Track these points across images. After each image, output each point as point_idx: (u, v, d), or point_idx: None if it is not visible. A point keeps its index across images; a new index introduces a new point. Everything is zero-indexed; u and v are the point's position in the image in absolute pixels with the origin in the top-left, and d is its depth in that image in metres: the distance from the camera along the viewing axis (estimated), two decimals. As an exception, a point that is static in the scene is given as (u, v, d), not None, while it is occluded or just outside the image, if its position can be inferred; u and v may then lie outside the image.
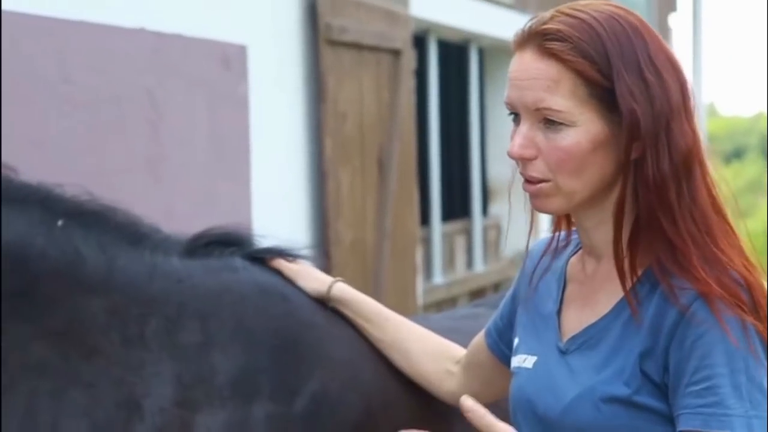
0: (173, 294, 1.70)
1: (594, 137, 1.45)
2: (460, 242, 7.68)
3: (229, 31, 4.20)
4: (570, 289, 1.59)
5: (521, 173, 1.50)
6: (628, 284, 1.47)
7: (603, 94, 1.44)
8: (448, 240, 7.41)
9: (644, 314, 1.46)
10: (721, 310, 1.40)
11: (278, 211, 4.58)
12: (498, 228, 8.28)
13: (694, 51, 12.35)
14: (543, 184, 1.48)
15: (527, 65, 1.46)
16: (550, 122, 1.45)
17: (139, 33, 3.64)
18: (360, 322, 1.91)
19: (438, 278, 7.03)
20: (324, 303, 1.90)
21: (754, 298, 1.43)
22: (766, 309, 1.43)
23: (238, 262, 1.83)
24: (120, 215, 1.70)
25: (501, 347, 1.76)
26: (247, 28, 4.37)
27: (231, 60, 4.12)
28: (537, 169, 1.48)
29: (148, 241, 1.72)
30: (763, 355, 1.41)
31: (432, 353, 1.89)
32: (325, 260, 4.79)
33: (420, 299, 6.15)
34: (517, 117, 1.49)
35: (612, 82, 1.43)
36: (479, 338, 1.81)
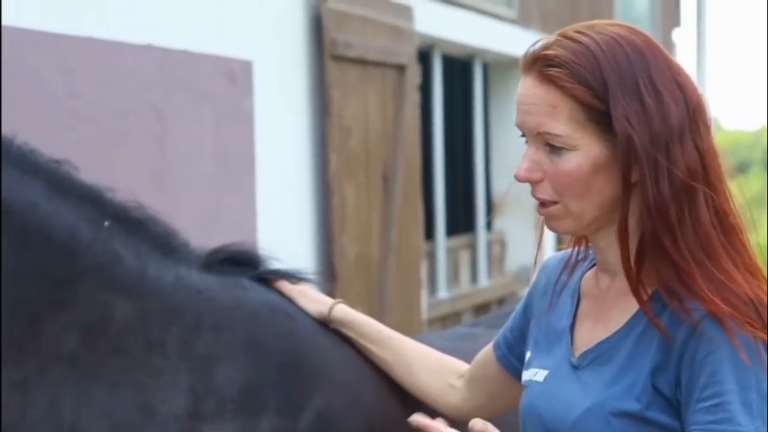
0: (192, 305, 1.74)
1: (594, 160, 1.46)
2: (464, 257, 7.66)
3: (235, 46, 4.21)
4: (584, 304, 1.60)
5: (532, 195, 1.52)
6: (644, 299, 1.47)
7: (601, 118, 1.45)
8: (452, 254, 7.40)
9: (655, 330, 1.46)
10: (731, 328, 1.41)
11: (283, 226, 4.59)
12: (502, 243, 8.28)
13: (698, 66, 12.36)
14: (553, 207, 1.51)
15: (529, 90, 1.49)
16: (552, 146, 1.48)
17: (146, 49, 3.66)
18: (363, 342, 1.93)
19: (442, 293, 7.02)
20: (326, 324, 1.93)
21: (761, 315, 1.43)
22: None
23: (246, 281, 1.86)
24: (159, 226, 1.78)
25: (511, 360, 1.76)
26: (253, 44, 4.39)
27: (236, 75, 4.14)
28: (545, 192, 1.50)
29: (177, 254, 1.78)
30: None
31: (434, 368, 1.90)
32: (329, 275, 4.79)
33: (424, 314, 6.14)
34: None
35: (609, 106, 1.44)
36: (487, 351, 1.82)
